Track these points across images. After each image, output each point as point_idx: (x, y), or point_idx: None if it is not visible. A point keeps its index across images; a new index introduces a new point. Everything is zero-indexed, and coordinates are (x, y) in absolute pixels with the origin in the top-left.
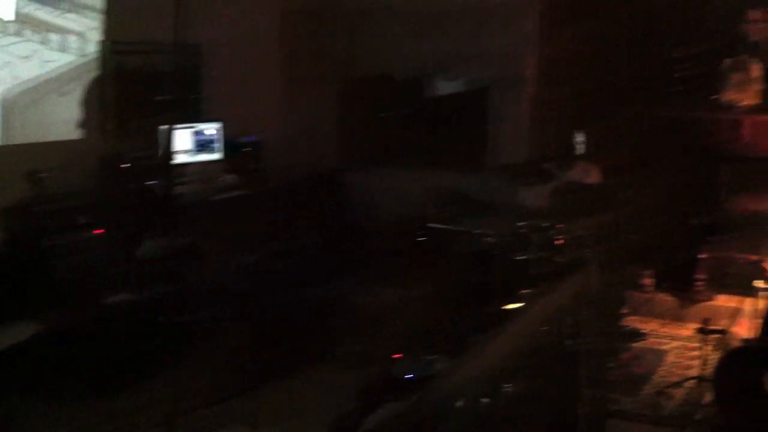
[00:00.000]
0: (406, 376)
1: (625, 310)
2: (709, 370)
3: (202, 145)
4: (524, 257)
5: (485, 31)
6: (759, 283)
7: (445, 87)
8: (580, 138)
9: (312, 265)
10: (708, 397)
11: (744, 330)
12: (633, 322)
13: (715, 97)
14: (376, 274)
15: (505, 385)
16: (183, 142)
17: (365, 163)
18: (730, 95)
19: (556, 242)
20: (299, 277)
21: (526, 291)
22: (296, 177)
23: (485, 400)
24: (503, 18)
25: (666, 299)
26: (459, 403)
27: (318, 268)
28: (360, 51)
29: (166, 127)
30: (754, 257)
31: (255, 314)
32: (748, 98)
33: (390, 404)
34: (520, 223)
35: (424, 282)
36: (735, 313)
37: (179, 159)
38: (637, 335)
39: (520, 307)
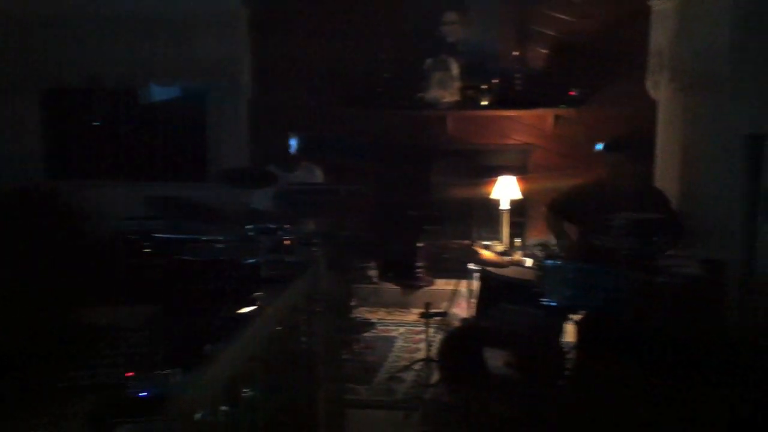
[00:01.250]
0: (140, 395)
1: (354, 303)
2: (434, 351)
3: None
4: (255, 260)
5: (198, 39)
6: (472, 266)
7: (160, 95)
8: (299, 140)
9: (26, 287)
10: (435, 376)
11: (462, 310)
12: (362, 313)
13: (420, 95)
14: (100, 290)
15: (244, 391)
16: None
17: (78, 175)
18: (433, 93)
19: (284, 243)
20: (12, 301)
21: (259, 294)
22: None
23: (224, 408)
24: (215, 25)
25: (391, 288)
26: (198, 416)
27: (33, 289)
28: (67, 59)
29: None
30: (466, 242)
31: None
32: (449, 95)
33: (125, 425)
34: (248, 227)
35: (153, 294)
36: (453, 296)
37: None
38: (367, 325)
39: (254, 311)
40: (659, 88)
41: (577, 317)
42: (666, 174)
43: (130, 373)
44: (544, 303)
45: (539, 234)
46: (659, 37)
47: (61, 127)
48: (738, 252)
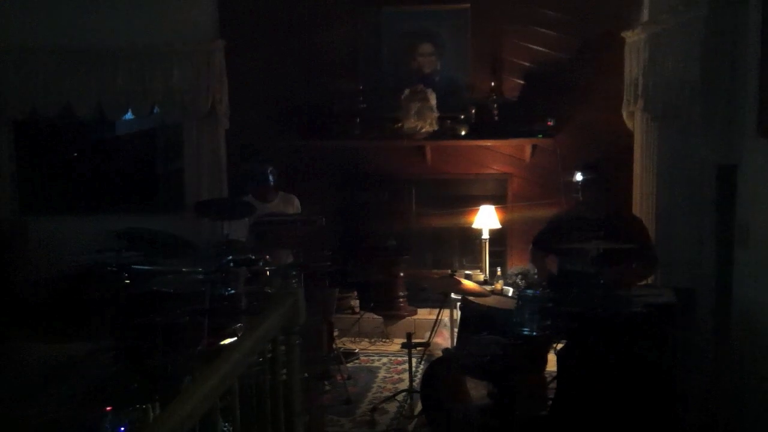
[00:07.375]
0: (118, 429)
1: (335, 333)
2: (417, 382)
3: None
4: (234, 291)
5: (175, 69)
6: (454, 296)
7: (136, 126)
8: (273, 170)
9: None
10: (418, 407)
11: (444, 340)
12: (344, 343)
13: (399, 125)
14: (76, 323)
15: (223, 425)
16: None
17: (49, 209)
18: (411, 123)
19: (263, 274)
20: None
21: (238, 325)
22: None
23: None
24: (192, 55)
25: (373, 318)
26: None
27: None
28: (37, 90)
29: None
30: (447, 271)
31: None
32: (426, 125)
33: None
34: (227, 258)
35: (133, 326)
36: (435, 326)
37: None
38: (349, 356)
39: (232, 343)
40: (634, 118)
41: (558, 347)
42: (644, 203)
43: (108, 408)
44: (525, 333)
45: (519, 263)
46: (633, 67)
47: (32, 160)
48: (711, 281)
